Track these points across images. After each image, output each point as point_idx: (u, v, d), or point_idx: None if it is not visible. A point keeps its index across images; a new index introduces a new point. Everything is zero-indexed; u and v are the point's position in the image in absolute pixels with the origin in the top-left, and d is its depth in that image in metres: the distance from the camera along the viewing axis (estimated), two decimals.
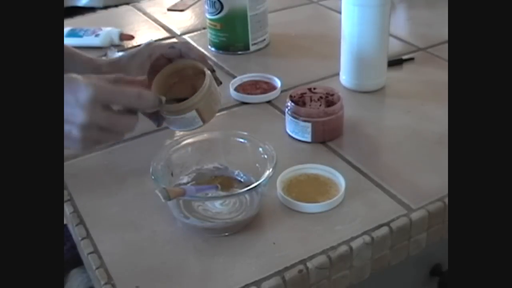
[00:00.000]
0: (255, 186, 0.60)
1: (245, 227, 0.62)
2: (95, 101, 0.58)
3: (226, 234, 0.61)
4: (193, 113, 0.67)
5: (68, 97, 0.57)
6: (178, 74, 0.71)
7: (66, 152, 0.70)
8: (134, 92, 0.61)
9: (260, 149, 0.65)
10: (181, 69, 0.72)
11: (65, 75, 0.57)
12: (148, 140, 0.78)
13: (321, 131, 0.75)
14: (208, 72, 0.68)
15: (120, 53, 0.94)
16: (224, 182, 0.67)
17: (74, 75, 0.59)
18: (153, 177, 0.61)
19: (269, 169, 0.61)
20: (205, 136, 0.69)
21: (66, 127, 0.58)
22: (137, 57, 0.75)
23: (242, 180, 0.67)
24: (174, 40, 1.12)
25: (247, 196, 0.63)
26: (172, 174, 0.66)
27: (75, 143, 0.59)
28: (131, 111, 0.62)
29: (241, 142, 0.67)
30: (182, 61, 0.72)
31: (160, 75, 0.70)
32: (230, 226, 0.62)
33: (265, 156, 0.64)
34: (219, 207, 0.63)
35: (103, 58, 0.93)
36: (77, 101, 0.57)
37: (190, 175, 0.68)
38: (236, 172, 0.68)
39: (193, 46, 0.75)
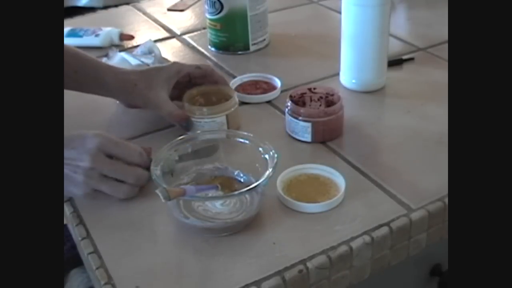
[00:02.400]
0: (255, 186, 0.59)
1: (245, 227, 0.62)
2: (100, 148, 0.63)
3: (226, 234, 0.61)
4: (223, 118, 0.75)
5: (76, 144, 0.63)
6: (204, 96, 0.79)
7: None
8: (137, 148, 0.67)
9: (260, 149, 0.65)
10: (209, 91, 0.80)
11: (75, 132, 0.65)
12: (148, 140, 0.78)
13: (321, 131, 0.75)
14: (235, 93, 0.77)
15: (121, 53, 0.94)
16: (224, 182, 0.67)
17: (84, 131, 0.65)
18: (153, 177, 0.61)
19: (269, 169, 0.61)
20: (205, 136, 0.69)
21: (71, 170, 0.63)
22: (164, 71, 0.79)
23: (242, 180, 0.67)
24: (174, 40, 1.12)
25: (247, 196, 0.63)
26: (172, 174, 0.66)
27: (77, 186, 0.64)
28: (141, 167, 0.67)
29: (241, 142, 0.67)
30: (213, 85, 0.80)
31: (190, 92, 0.78)
32: (230, 226, 0.62)
33: (265, 156, 0.64)
34: (220, 207, 0.63)
35: (104, 59, 0.93)
36: (84, 147, 0.63)
37: (190, 175, 0.68)
38: (236, 172, 0.68)
39: (216, 70, 0.83)
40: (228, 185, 0.67)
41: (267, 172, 0.61)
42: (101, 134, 0.65)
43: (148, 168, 0.64)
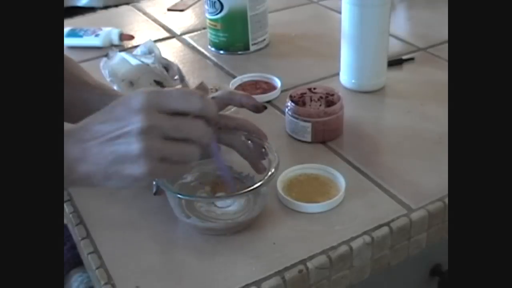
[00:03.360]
0: (257, 187, 0.59)
1: (246, 227, 0.62)
2: (149, 104, 0.48)
3: (227, 234, 0.61)
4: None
5: (119, 110, 0.49)
6: None
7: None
8: (195, 93, 0.51)
9: (263, 149, 0.65)
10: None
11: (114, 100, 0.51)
12: None
13: (321, 131, 0.75)
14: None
15: (121, 53, 0.93)
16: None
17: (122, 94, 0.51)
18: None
19: (271, 170, 0.61)
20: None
21: (120, 145, 0.47)
22: None
23: (245, 181, 0.67)
24: (174, 40, 1.12)
25: (250, 196, 0.63)
26: None
27: (137, 163, 0.48)
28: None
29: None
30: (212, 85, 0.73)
31: None
32: (231, 226, 0.62)
33: (268, 157, 0.64)
34: (224, 209, 0.63)
35: (104, 59, 0.93)
36: (130, 109, 0.48)
37: (194, 174, 0.68)
38: (240, 172, 0.67)
39: (235, 91, 0.67)
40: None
41: (270, 173, 0.61)
42: (147, 89, 0.50)
43: (214, 120, 0.52)
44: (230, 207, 0.63)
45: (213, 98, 0.63)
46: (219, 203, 0.64)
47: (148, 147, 0.47)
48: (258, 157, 0.64)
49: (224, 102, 0.63)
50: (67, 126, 0.52)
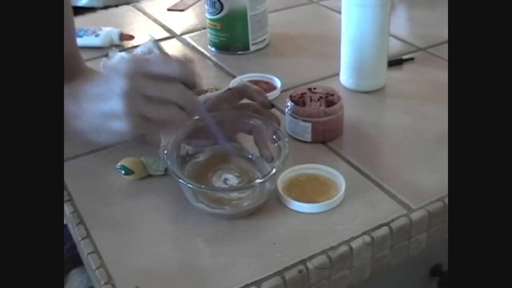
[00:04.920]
0: (263, 181, 0.62)
1: (253, 213, 0.63)
2: (133, 68, 0.54)
3: (235, 219, 0.63)
4: None
5: (107, 75, 0.54)
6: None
7: (69, 151, 0.68)
8: (177, 60, 0.56)
9: (274, 136, 0.67)
10: (207, 91, 0.80)
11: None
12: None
13: (321, 131, 0.75)
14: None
15: (121, 53, 0.93)
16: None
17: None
18: (164, 155, 0.63)
19: (280, 159, 0.63)
20: (221, 117, 0.69)
21: (107, 105, 0.53)
22: None
23: (256, 162, 0.68)
24: (174, 40, 1.12)
25: (258, 184, 0.64)
26: (187, 154, 0.68)
27: (121, 119, 0.53)
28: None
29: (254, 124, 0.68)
30: (211, 85, 0.79)
31: None
32: (238, 212, 0.63)
33: (278, 143, 0.66)
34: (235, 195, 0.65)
35: (104, 59, 0.93)
36: (116, 73, 0.54)
37: (206, 154, 0.69)
38: (251, 153, 0.69)
39: (249, 85, 0.71)
40: (242, 170, 0.68)
41: (277, 162, 0.63)
42: (132, 56, 0.56)
43: (193, 83, 0.56)
44: (237, 195, 0.64)
45: (229, 89, 0.71)
46: (227, 179, 0.66)
47: (130, 105, 0.52)
48: (269, 141, 0.67)
49: (239, 93, 0.71)
50: (68, 87, 0.56)
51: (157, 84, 0.54)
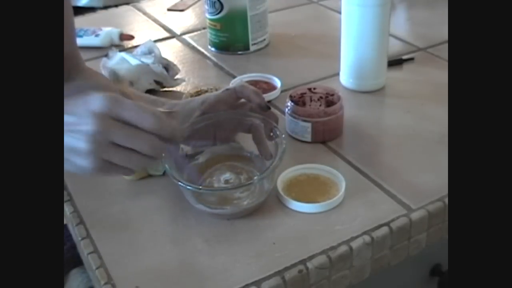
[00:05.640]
0: (261, 177, 0.62)
1: (253, 212, 0.63)
2: (106, 110, 0.52)
3: (235, 218, 0.63)
4: None
5: (79, 109, 0.53)
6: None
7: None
8: (153, 112, 0.54)
9: (271, 133, 0.67)
10: (207, 91, 0.82)
11: (77, 95, 0.54)
12: None
13: (321, 131, 0.75)
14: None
15: (121, 53, 0.94)
16: (239, 159, 0.69)
17: (88, 92, 0.54)
18: (166, 169, 0.63)
19: (277, 156, 0.63)
20: (219, 117, 0.70)
21: (74, 138, 0.52)
22: (188, 104, 0.71)
23: (254, 160, 0.69)
24: (174, 40, 1.12)
25: (257, 182, 0.64)
26: (186, 155, 0.68)
27: (82, 156, 0.53)
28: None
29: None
30: (210, 85, 0.80)
31: (188, 93, 0.78)
32: (238, 212, 0.63)
33: (275, 140, 0.66)
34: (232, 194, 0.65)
35: (104, 59, 0.93)
36: (87, 109, 0.52)
37: (205, 155, 0.70)
38: (250, 152, 0.69)
39: (247, 86, 0.71)
40: (240, 169, 0.68)
41: (276, 159, 0.63)
42: (108, 95, 0.53)
43: (169, 137, 0.55)
44: (236, 194, 0.65)
45: (227, 89, 0.70)
46: (226, 180, 0.66)
47: (93, 148, 0.52)
48: (267, 138, 0.68)
49: (237, 93, 0.70)
50: None
51: (126, 131, 0.53)
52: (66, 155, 0.53)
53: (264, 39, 1.05)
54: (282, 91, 0.88)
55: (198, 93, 0.83)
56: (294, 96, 0.78)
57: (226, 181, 0.66)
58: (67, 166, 0.55)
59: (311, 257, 0.58)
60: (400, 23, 1.14)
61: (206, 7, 1.02)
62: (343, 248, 0.59)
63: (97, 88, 0.63)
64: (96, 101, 0.52)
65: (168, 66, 0.91)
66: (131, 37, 1.10)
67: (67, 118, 0.53)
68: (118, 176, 0.70)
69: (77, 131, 0.52)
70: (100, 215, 0.66)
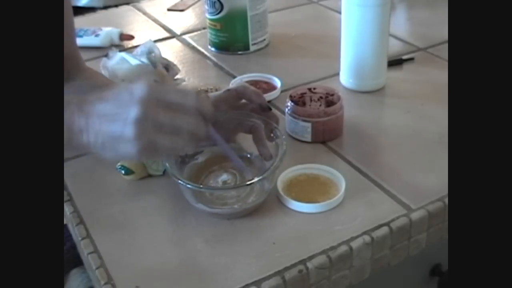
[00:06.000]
0: (267, 174, 0.62)
1: (252, 212, 0.63)
2: (149, 95, 0.53)
3: (234, 218, 0.63)
4: None
5: (122, 96, 0.54)
6: None
7: (70, 151, 0.69)
8: (194, 92, 0.56)
9: (271, 134, 0.67)
10: (207, 91, 0.82)
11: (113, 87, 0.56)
12: None
13: (321, 131, 0.75)
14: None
15: (121, 53, 0.94)
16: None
17: (126, 84, 0.56)
18: (166, 166, 0.63)
19: (278, 157, 0.63)
20: (219, 118, 0.69)
21: (118, 126, 0.53)
22: None
23: (254, 161, 0.69)
24: (174, 40, 1.12)
25: (257, 182, 0.64)
26: (186, 155, 0.68)
27: (129, 144, 0.53)
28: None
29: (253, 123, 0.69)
30: (210, 84, 0.79)
31: None
32: (238, 211, 0.63)
33: (276, 141, 0.66)
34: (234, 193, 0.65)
35: (104, 59, 0.93)
36: (131, 96, 0.53)
37: (205, 155, 0.70)
38: (249, 153, 0.69)
39: (248, 86, 0.72)
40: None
41: (277, 160, 0.63)
42: (149, 83, 0.55)
43: (208, 117, 0.57)
44: (236, 194, 0.65)
45: (228, 90, 0.71)
46: (226, 180, 0.66)
47: (139, 134, 0.53)
48: (267, 139, 0.68)
49: (238, 94, 0.70)
50: (69, 96, 0.56)
51: (171, 115, 0.54)
52: (108, 143, 0.54)
53: (264, 39, 1.05)
54: (282, 91, 0.88)
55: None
56: (294, 96, 0.78)
57: (224, 182, 0.66)
58: (108, 155, 0.56)
59: (311, 257, 0.58)
60: (400, 23, 1.14)
61: (206, 7, 1.02)
62: (343, 248, 0.59)
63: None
64: (140, 88, 0.53)
65: (168, 66, 0.91)
66: (131, 37, 1.10)
67: (108, 109, 0.54)
68: (118, 176, 0.70)
69: (122, 119, 0.53)
70: (100, 215, 0.66)
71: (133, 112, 0.52)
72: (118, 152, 0.54)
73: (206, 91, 0.86)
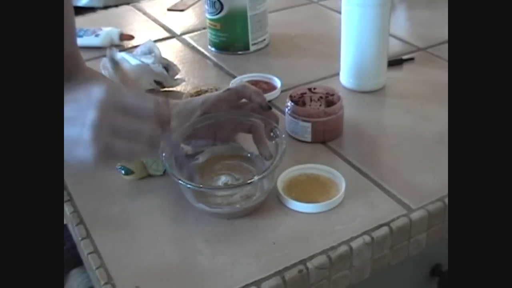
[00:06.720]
0: (267, 173, 0.62)
1: (252, 211, 0.63)
2: (107, 100, 0.52)
3: (235, 218, 0.63)
4: None
5: (81, 100, 0.53)
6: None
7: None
8: (153, 99, 0.55)
9: (271, 133, 0.67)
10: (207, 90, 0.82)
11: (76, 88, 0.55)
12: None
13: (321, 131, 0.75)
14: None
15: (121, 53, 0.94)
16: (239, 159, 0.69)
17: (87, 84, 0.55)
18: (163, 157, 0.63)
19: (278, 155, 0.63)
20: (220, 117, 0.70)
21: (76, 130, 0.52)
22: (189, 104, 0.72)
23: (255, 161, 0.69)
24: (174, 40, 1.12)
25: (257, 182, 0.64)
26: (186, 155, 0.68)
27: (85, 146, 0.52)
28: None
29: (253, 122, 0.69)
30: (210, 85, 0.80)
31: (188, 92, 0.78)
32: (238, 211, 0.63)
33: (276, 140, 0.66)
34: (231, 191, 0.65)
35: (104, 59, 0.93)
36: (89, 101, 0.52)
37: (205, 155, 0.70)
38: (250, 152, 0.70)
39: (249, 86, 0.72)
40: (241, 169, 0.68)
41: (277, 159, 0.63)
42: (108, 85, 0.54)
43: (166, 123, 0.57)
44: (236, 194, 0.65)
45: (228, 89, 0.71)
46: (226, 180, 0.66)
47: (96, 137, 0.52)
48: (267, 138, 0.68)
49: (238, 93, 0.70)
50: None
51: (128, 120, 0.53)
52: (67, 148, 0.53)
53: (264, 39, 1.05)
54: (282, 91, 0.88)
55: (198, 93, 0.83)
56: (294, 96, 0.78)
57: (225, 182, 0.66)
58: (67, 159, 0.54)
59: (311, 257, 0.58)
60: (400, 23, 1.14)
61: (206, 7, 1.02)
62: (343, 248, 0.59)
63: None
64: (97, 91, 0.53)
65: (168, 66, 0.91)
66: (131, 37, 1.10)
67: (68, 112, 0.53)
68: (118, 176, 0.70)
69: (80, 122, 0.52)
70: (100, 215, 0.66)
71: (91, 115, 0.51)
72: (75, 157, 0.53)
73: (206, 91, 0.86)
